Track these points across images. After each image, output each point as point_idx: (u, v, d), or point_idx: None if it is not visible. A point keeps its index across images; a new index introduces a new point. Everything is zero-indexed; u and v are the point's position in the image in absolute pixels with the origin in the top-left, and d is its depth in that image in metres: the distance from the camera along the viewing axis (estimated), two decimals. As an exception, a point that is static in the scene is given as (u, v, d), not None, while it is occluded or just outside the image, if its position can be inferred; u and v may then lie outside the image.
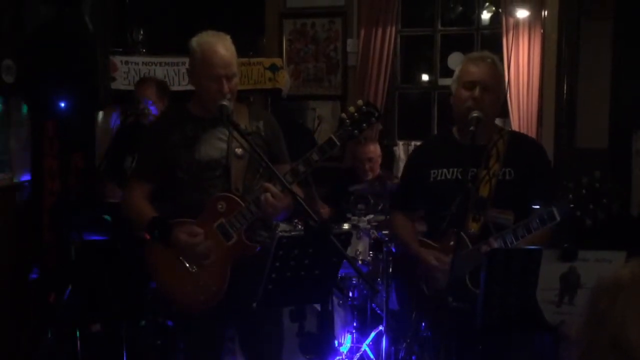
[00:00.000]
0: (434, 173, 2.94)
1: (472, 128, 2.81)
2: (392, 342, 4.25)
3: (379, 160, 5.04)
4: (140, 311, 4.11)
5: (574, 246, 2.58)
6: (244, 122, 2.94)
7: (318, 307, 3.73)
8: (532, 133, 5.19)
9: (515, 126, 5.34)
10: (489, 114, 2.85)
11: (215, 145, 2.91)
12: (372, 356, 4.17)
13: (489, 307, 2.63)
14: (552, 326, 2.56)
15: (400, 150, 5.94)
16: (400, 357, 4.44)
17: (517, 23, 5.35)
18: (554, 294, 2.58)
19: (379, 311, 4.35)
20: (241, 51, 3.16)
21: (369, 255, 4.28)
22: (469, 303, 2.75)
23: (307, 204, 2.72)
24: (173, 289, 2.91)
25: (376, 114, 2.82)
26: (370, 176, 4.92)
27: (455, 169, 2.90)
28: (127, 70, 5.17)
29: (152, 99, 4.33)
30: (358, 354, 4.15)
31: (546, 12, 5.35)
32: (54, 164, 4.57)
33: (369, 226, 4.33)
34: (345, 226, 4.32)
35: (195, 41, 2.89)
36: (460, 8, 6.37)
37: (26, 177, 4.49)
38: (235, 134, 2.83)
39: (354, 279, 4.23)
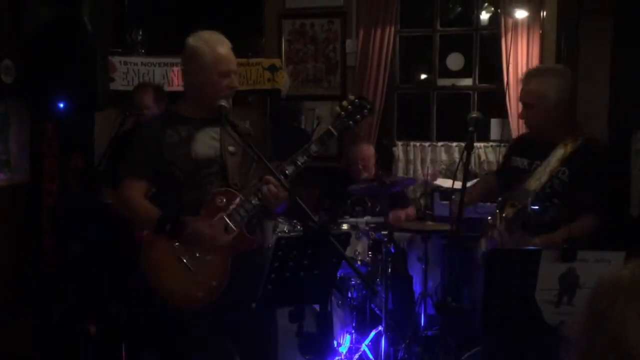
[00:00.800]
0: (513, 159, 3.28)
1: (470, 129, 2.98)
2: (391, 342, 4.26)
3: (373, 161, 5.04)
4: (139, 312, 4.11)
5: (573, 247, 2.58)
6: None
7: (317, 307, 3.74)
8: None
9: (513, 126, 5.35)
10: (538, 123, 3.15)
11: (209, 143, 2.96)
12: (371, 356, 4.17)
13: (488, 308, 2.63)
14: (551, 327, 2.57)
15: (399, 151, 5.94)
16: (399, 357, 4.44)
17: (515, 23, 5.35)
18: (553, 294, 2.58)
19: (377, 311, 4.35)
20: (240, 52, 3.18)
21: (368, 256, 4.29)
22: (468, 303, 2.76)
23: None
24: (171, 286, 2.90)
25: (368, 107, 3.03)
26: (364, 176, 4.93)
27: (526, 160, 3.19)
28: (126, 70, 5.16)
29: (149, 105, 4.33)
30: (357, 354, 4.14)
31: (545, 13, 5.35)
32: (53, 164, 4.57)
33: (367, 227, 4.33)
34: (344, 227, 4.32)
35: (199, 40, 2.97)
36: (459, 8, 6.38)
37: (25, 178, 4.48)
38: (234, 133, 2.89)
39: (353, 280, 4.24)
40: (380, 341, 4.19)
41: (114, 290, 4.18)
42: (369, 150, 5.05)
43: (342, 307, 4.21)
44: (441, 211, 5.24)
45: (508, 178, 3.26)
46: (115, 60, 5.05)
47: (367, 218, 4.42)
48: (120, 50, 5.19)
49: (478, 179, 4.06)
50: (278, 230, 4.10)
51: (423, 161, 5.91)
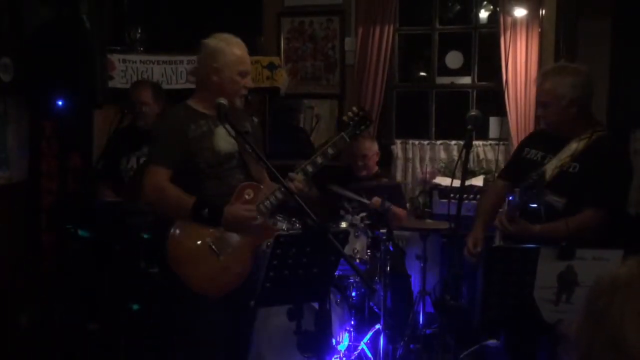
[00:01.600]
0: (527, 150, 3.38)
1: (469, 127, 2.99)
2: (389, 340, 4.26)
3: (375, 158, 5.03)
4: (138, 311, 4.11)
5: (572, 245, 2.59)
6: (239, 122, 3.14)
7: (316, 305, 3.74)
8: (530, 132, 5.20)
9: (512, 125, 5.35)
10: (554, 120, 3.23)
11: (227, 139, 3.10)
12: (369, 354, 4.18)
13: (487, 306, 2.63)
14: (549, 324, 2.57)
15: (398, 149, 5.94)
16: (397, 356, 4.45)
17: (514, 22, 5.35)
18: (551, 292, 2.59)
19: (376, 309, 4.35)
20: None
21: (367, 254, 4.28)
22: (467, 301, 2.77)
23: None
24: (199, 272, 3.05)
25: (368, 122, 3.32)
26: (364, 173, 4.92)
27: (540, 153, 3.28)
28: (125, 68, 5.16)
29: (148, 102, 4.33)
30: (356, 353, 4.15)
31: (544, 11, 5.35)
32: (52, 163, 4.57)
33: (362, 224, 4.32)
34: (343, 225, 4.32)
35: (220, 40, 3.16)
36: (458, 7, 6.38)
37: (24, 177, 4.48)
38: (231, 130, 2.99)
39: (351, 278, 4.23)
40: (378, 339, 4.19)
41: (114, 289, 4.18)
42: (372, 147, 5.02)
43: (340, 305, 4.21)
44: (440, 209, 5.24)
45: (520, 170, 3.29)
46: (114, 58, 5.05)
47: (364, 214, 4.42)
48: (119, 48, 5.19)
49: (480, 192, 4.05)
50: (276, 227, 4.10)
51: (422, 159, 5.91)
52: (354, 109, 3.34)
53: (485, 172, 5.54)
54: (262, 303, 2.69)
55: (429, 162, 5.90)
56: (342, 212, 4.66)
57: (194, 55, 5.34)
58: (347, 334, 4.15)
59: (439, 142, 5.91)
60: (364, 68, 5.69)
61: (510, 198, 3.28)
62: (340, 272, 4.10)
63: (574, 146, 3.16)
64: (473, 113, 3.09)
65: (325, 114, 5.98)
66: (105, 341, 4.24)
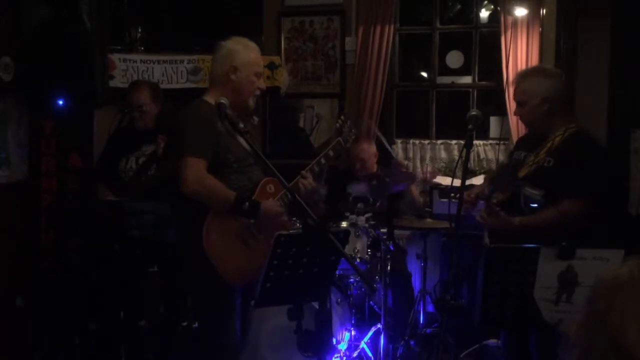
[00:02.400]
0: (515, 152, 3.58)
1: (469, 126, 3.04)
2: (390, 339, 4.26)
3: (374, 159, 5.05)
4: (139, 311, 4.11)
5: (572, 244, 2.58)
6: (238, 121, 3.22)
7: (316, 305, 3.74)
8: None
9: (513, 125, 5.34)
10: (530, 118, 3.45)
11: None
12: (370, 354, 4.18)
13: (487, 306, 2.63)
14: (550, 324, 2.57)
15: (399, 149, 5.94)
16: (398, 355, 4.45)
17: (515, 21, 5.35)
18: (551, 292, 2.58)
19: (377, 309, 4.35)
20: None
21: (367, 253, 4.29)
22: (468, 301, 2.78)
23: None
24: (231, 262, 3.19)
25: (354, 130, 3.74)
26: (363, 173, 4.93)
27: (523, 152, 3.46)
28: (125, 68, 5.16)
29: (147, 102, 4.32)
30: (356, 352, 4.15)
31: (544, 11, 5.35)
32: (51, 163, 4.56)
33: (366, 224, 4.33)
34: (344, 224, 4.32)
35: (237, 43, 3.33)
36: (459, 6, 6.38)
37: (24, 176, 4.47)
38: (230, 129, 3.11)
39: (352, 277, 4.23)
40: (379, 339, 4.19)
41: (112, 290, 4.17)
42: (369, 149, 5.05)
43: (341, 305, 4.21)
44: (440, 209, 5.23)
45: None
46: (115, 57, 5.05)
47: (369, 215, 4.42)
48: (119, 47, 5.19)
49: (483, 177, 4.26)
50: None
51: (422, 159, 5.92)
52: (342, 118, 3.77)
53: (486, 172, 5.54)
54: (263, 303, 2.69)
55: (429, 161, 5.90)
56: (346, 214, 4.66)
57: (195, 55, 5.39)
58: (347, 334, 4.15)
59: (439, 141, 5.91)
60: (365, 68, 5.69)
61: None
62: (341, 272, 4.11)
63: (549, 143, 3.32)
64: (473, 113, 3.14)
65: (326, 114, 5.98)
66: (105, 342, 4.25)
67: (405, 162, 5.87)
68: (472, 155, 5.57)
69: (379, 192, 4.46)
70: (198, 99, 3.34)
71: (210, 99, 3.26)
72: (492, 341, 4.40)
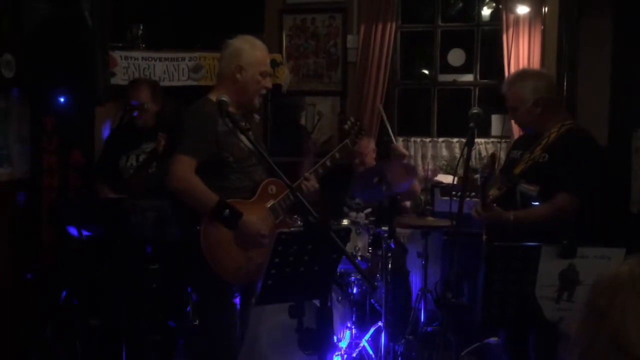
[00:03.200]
0: (512, 152, 3.65)
1: (471, 124, 3.05)
2: (390, 337, 4.26)
3: (373, 154, 5.04)
4: (139, 308, 4.11)
5: (573, 243, 2.58)
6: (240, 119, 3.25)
7: (317, 303, 3.74)
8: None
9: (514, 122, 5.33)
10: (524, 121, 3.54)
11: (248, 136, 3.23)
12: (371, 352, 4.18)
13: (488, 304, 2.63)
14: (551, 323, 2.57)
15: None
16: (399, 353, 4.45)
17: (517, 19, 5.34)
18: (553, 290, 2.58)
19: (377, 307, 4.35)
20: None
21: (368, 251, 4.28)
22: (468, 299, 2.79)
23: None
24: (228, 262, 3.18)
25: (363, 132, 3.81)
26: (362, 169, 4.92)
27: (519, 151, 3.52)
28: (126, 65, 5.16)
29: (147, 100, 4.32)
30: (357, 350, 4.15)
31: (546, 9, 5.34)
32: (53, 160, 4.56)
33: (367, 221, 4.32)
34: (345, 222, 4.32)
35: (245, 42, 3.33)
36: (461, 4, 6.36)
37: (26, 173, 4.47)
38: (231, 127, 3.11)
39: (353, 275, 4.23)
40: (380, 336, 4.19)
41: (113, 286, 4.17)
42: (368, 145, 5.03)
43: (342, 303, 4.21)
44: (441, 207, 5.23)
45: (507, 166, 3.59)
46: (116, 54, 5.05)
47: (368, 210, 4.42)
48: (121, 44, 5.19)
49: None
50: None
51: (424, 157, 5.92)
52: (352, 119, 3.77)
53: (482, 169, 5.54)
54: (264, 301, 2.69)
55: (430, 159, 5.90)
56: (345, 210, 4.65)
57: (196, 53, 5.38)
58: (348, 331, 4.15)
59: (441, 139, 5.90)
60: (366, 65, 5.68)
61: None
62: (342, 270, 4.11)
63: (544, 141, 3.37)
64: (475, 110, 3.15)
65: (327, 112, 5.97)
66: (106, 339, 4.25)
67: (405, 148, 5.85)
68: (473, 153, 5.56)
69: (382, 195, 4.45)
70: (203, 97, 3.34)
71: (214, 97, 3.25)
72: (493, 339, 4.39)
